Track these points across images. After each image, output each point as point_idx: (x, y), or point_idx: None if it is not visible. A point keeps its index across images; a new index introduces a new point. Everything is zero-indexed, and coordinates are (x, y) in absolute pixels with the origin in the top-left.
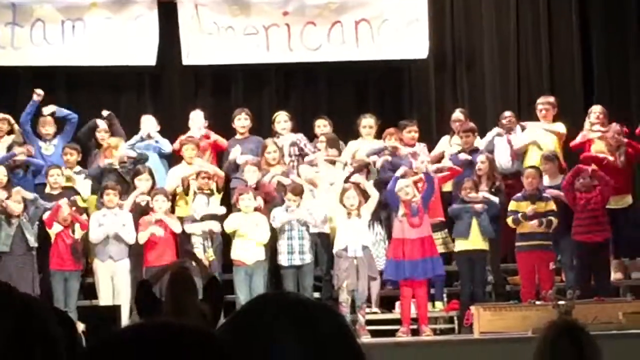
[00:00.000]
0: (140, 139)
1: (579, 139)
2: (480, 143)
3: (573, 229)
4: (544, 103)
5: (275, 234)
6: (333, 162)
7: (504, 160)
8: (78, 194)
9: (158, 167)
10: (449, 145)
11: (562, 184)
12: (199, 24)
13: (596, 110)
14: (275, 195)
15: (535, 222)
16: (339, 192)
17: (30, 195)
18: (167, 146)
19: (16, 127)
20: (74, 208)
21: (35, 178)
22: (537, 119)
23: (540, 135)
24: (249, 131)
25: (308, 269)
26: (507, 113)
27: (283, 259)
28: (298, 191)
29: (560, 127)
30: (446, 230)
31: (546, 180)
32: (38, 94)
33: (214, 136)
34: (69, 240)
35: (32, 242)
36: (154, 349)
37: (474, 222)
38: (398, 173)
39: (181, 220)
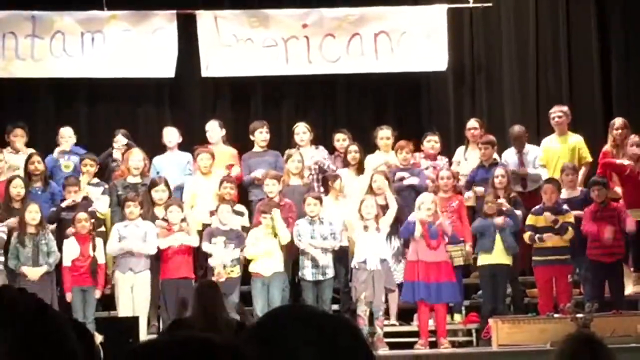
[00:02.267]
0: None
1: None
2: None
3: (587, 246)
4: (557, 112)
5: (297, 247)
6: (360, 172)
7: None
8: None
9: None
10: (463, 157)
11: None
12: (218, 36)
13: (618, 123)
14: (294, 219)
15: (549, 214)
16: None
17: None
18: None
19: None
20: (92, 220)
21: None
22: (552, 130)
23: (555, 147)
24: (271, 144)
25: (328, 283)
26: (516, 128)
27: (307, 274)
28: (317, 195)
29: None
30: (466, 244)
31: (564, 193)
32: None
33: (236, 169)
34: (87, 259)
35: (45, 266)
36: None
37: (498, 237)
38: (416, 216)
39: (200, 232)
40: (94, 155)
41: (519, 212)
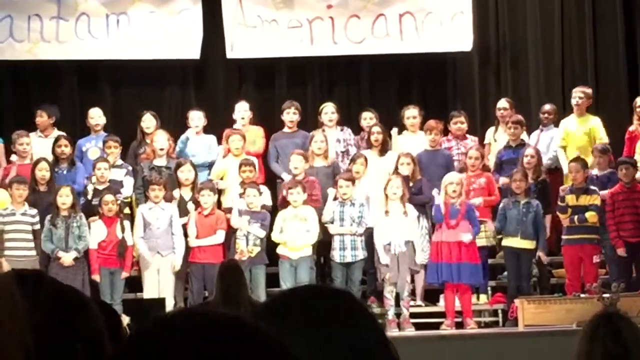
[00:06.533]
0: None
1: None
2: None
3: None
4: (579, 92)
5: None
6: (383, 153)
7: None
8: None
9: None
10: (493, 139)
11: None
12: (242, 17)
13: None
14: (317, 195)
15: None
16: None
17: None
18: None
19: None
20: (119, 201)
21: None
22: (571, 108)
23: (574, 128)
24: (297, 125)
25: (358, 264)
26: (547, 107)
27: (335, 255)
28: (349, 177)
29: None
30: (490, 223)
31: (595, 171)
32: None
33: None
34: (115, 239)
35: (74, 252)
36: (194, 338)
37: (521, 226)
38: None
39: (229, 210)
40: (117, 137)
41: (536, 203)
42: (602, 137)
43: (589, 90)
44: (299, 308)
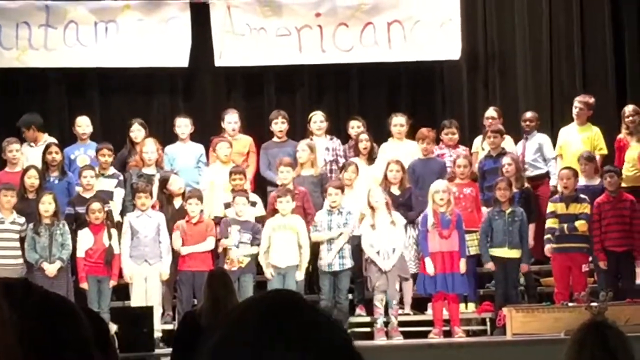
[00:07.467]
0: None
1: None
2: (511, 147)
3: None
4: (581, 102)
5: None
6: (371, 161)
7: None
8: (110, 198)
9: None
10: (480, 147)
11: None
12: (231, 25)
13: (629, 110)
14: (310, 209)
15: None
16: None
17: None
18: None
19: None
20: (106, 209)
21: (69, 185)
22: (570, 117)
23: (572, 136)
24: (286, 134)
25: (345, 273)
26: (528, 114)
27: (323, 264)
28: (338, 185)
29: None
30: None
31: (582, 181)
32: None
33: (252, 159)
34: (102, 247)
35: (58, 262)
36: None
37: (508, 236)
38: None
39: (219, 220)
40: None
41: (520, 211)
42: (602, 148)
43: (592, 100)
44: (287, 313)
